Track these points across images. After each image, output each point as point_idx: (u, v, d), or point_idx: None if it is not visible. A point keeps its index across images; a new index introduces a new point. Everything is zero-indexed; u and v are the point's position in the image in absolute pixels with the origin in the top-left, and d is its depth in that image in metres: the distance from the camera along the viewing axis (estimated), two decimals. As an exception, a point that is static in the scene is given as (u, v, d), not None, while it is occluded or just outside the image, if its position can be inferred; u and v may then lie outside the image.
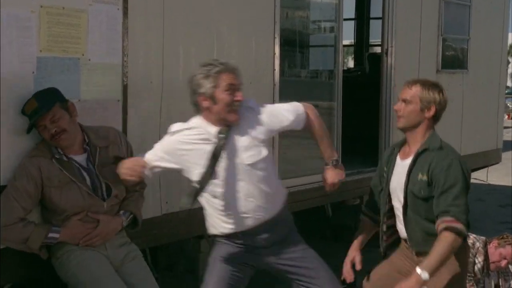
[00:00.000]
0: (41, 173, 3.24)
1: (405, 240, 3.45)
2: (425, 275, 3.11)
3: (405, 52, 6.50)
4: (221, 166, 3.07)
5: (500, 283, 4.89)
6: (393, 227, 3.52)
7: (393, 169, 3.46)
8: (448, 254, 3.18)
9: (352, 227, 6.13)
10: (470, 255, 4.81)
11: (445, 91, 3.43)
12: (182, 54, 4.22)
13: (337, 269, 5.36)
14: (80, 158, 3.38)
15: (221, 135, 3.06)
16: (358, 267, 3.55)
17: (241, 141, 3.11)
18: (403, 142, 3.50)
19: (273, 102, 4.95)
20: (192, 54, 4.29)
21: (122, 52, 3.78)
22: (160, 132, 4.06)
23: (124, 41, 3.78)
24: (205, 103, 3.07)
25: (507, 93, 30.64)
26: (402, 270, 3.44)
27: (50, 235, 3.25)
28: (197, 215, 4.34)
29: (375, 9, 9.10)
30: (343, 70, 6.19)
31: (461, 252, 3.32)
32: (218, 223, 3.23)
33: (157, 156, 3.16)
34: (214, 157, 3.04)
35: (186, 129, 3.15)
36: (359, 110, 6.70)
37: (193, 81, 3.11)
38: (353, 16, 9.69)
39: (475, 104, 7.58)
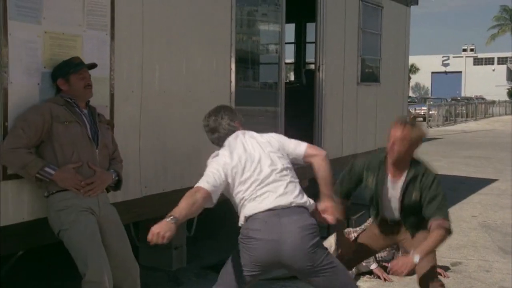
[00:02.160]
0: (51, 112, 3.08)
1: (389, 220, 3.55)
2: (417, 258, 3.20)
3: (332, 69, 6.56)
4: None
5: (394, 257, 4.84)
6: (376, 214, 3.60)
7: (384, 183, 3.44)
8: (438, 246, 3.30)
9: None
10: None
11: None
12: (157, 69, 4.18)
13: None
14: (85, 111, 3.29)
15: None
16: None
17: None
18: (384, 160, 3.45)
19: (230, 107, 4.94)
20: (166, 70, 4.26)
21: (110, 67, 3.72)
22: (140, 131, 4.03)
23: (111, 59, 3.73)
24: None
25: (409, 101, 31.32)
26: (383, 233, 3.60)
27: (47, 169, 3.04)
28: (169, 196, 4.34)
29: (310, 35, 9.16)
30: (285, 82, 6.20)
31: None
32: None
33: None
34: None
35: None
36: (297, 113, 6.74)
37: None
38: (293, 40, 9.76)
39: (385, 109, 7.71)
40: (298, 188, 2.99)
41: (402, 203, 3.44)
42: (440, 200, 3.33)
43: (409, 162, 3.41)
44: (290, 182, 2.97)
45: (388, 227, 3.62)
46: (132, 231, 4.64)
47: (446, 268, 5.02)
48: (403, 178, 3.42)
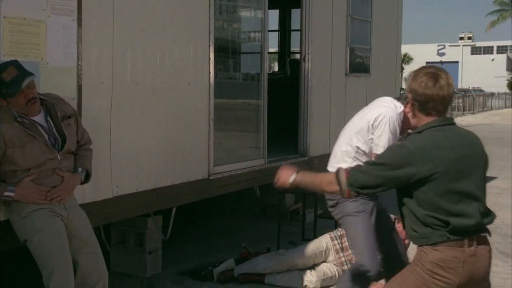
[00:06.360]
0: (4, 138, 3.03)
1: None
2: (292, 177, 2.82)
3: (319, 59, 6.61)
4: None
5: None
6: None
7: None
8: (317, 185, 2.82)
9: (277, 205, 6.23)
10: None
11: None
12: (129, 59, 4.18)
13: (265, 240, 5.37)
14: (39, 118, 3.20)
15: None
16: None
17: None
18: None
19: (209, 100, 4.96)
20: (138, 59, 4.25)
21: (77, 57, 3.71)
22: (111, 126, 4.02)
23: (78, 47, 3.72)
24: None
25: (402, 94, 31.50)
26: None
27: (6, 193, 3.08)
28: (143, 197, 4.34)
29: (295, 23, 9.19)
30: (268, 73, 6.22)
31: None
32: None
33: None
34: None
35: None
36: (282, 107, 6.78)
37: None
38: (277, 28, 9.78)
39: (376, 102, 7.77)
40: None
41: None
42: (371, 162, 2.73)
43: None
44: None
45: None
46: (103, 235, 4.64)
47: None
48: None
